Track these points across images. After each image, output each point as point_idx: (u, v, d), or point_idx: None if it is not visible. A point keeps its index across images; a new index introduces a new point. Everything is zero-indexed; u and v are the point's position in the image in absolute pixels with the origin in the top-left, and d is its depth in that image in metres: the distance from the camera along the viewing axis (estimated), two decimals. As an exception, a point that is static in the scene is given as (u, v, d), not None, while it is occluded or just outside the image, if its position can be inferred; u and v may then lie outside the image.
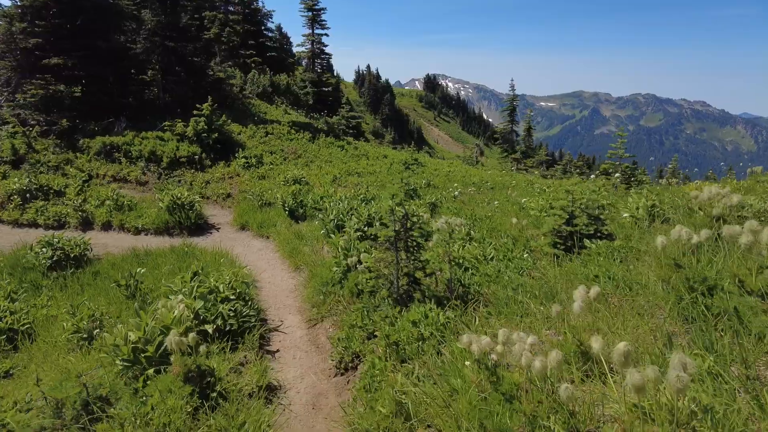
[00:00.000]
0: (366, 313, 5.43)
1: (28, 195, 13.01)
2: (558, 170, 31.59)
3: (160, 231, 11.86)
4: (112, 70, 19.79)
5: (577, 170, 30.26)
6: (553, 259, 6.01)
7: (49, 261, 9.14)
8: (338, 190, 14.46)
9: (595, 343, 2.44)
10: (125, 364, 4.83)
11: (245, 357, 5.27)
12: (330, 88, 36.16)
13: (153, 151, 16.52)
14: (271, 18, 37.69)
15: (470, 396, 3.00)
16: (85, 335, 5.91)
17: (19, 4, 18.17)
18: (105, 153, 16.36)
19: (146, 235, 11.87)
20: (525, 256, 5.89)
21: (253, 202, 13.23)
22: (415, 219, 5.22)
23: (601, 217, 6.36)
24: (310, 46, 35.75)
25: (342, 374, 5.11)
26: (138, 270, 7.42)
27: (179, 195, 12.04)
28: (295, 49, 42.69)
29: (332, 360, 5.29)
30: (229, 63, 33.02)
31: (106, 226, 12.31)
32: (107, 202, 12.67)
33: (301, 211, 12.03)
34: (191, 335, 4.30)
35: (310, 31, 35.37)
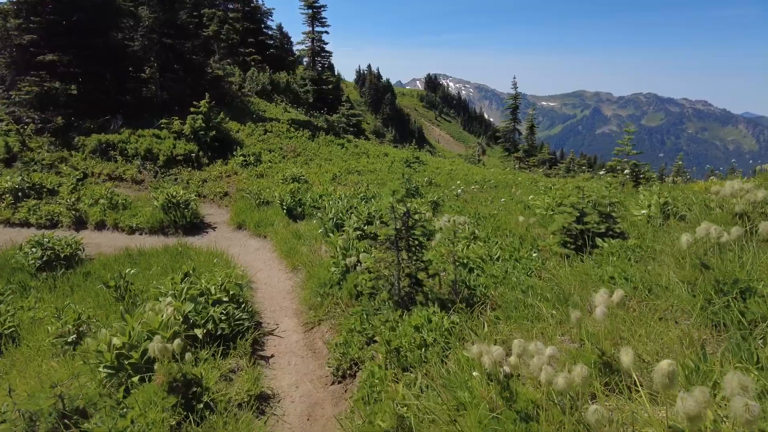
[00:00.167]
0: (365, 316, 5.12)
1: (20, 194, 12.72)
2: (561, 169, 31.25)
3: (155, 230, 11.55)
4: (109, 67, 19.51)
5: (581, 169, 29.90)
6: (562, 259, 5.69)
7: (39, 261, 8.85)
8: (338, 188, 14.15)
9: (625, 356, 2.13)
10: (109, 371, 4.53)
11: (237, 363, 4.96)
12: (330, 87, 35.85)
13: (149, 149, 16.22)
14: (271, 16, 37.42)
15: (480, 413, 2.69)
16: (69, 340, 5.61)
17: (14, 0, 17.89)
18: (100, 151, 16.07)
19: (141, 234, 11.57)
20: (534, 255, 5.56)
21: (251, 200, 12.93)
22: (417, 217, 4.91)
23: (613, 214, 6.04)
24: (310, 43, 35.45)
25: (339, 382, 4.80)
26: (128, 271, 7.11)
27: (174, 193, 11.74)
28: (295, 48, 42.40)
29: (329, 367, 4.97)
30: (228, 61, 32.71)
31: (100, 226, 12.01)
32: (101, 200, 12.38)
33: (299, 209, 11.73)
34: (176, 341, 4.00)
35: (310, 28, 35.07)
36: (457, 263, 4.99)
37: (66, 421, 3.69)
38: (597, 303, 2.76)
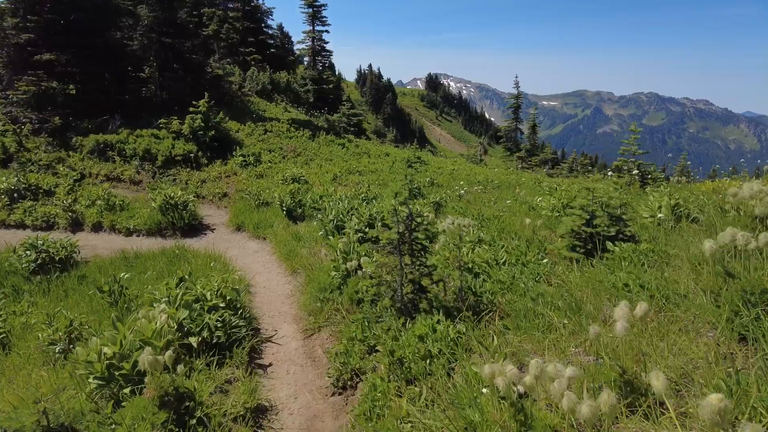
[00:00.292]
0: (366, 324, 4.91)
1: (15, 195, 12.52)
2: (564, 169, 30.99)
3: (153, 232, 11.35)
4: (108, 66, 19.32)
5: (584, 169, 29.65)
6: (571, 264, 5.48)
7: (33, 264, 8.67)
8: (338, 189, 13.95)
9: (657, 381, 1.92)
10: (99, 382, 4.33)
11: (233, 374, 4.75)
12: (331, 86, 35.63)
13: (148, 149, 16.02)
14: (271, 15, 37.15)
15: (492, 437, 2.48)
16: (60, 348, 5.41)
17: (11, -2, 17.71)
18: (98, 151, 15.88)
19: (138, 236, 11.37)
20: (544, 261, 5.34)
21: (250, 201, 12.73)
22: (419, 220, 4.69)
23: (624, 217, 5.82)
24: (310, 42, 35.24)
25: (340, 393, 4.59)
26: (122, 275, 6.91)
27: (172, 194, 11.54)
28: (296, 47, 42.19)
29: (329, 377, 4.76)
30: (228, 60, 32.50)
31: (97, 227, 11.82)
32: (98, 202, 12.18)
33: (299, 211, 11.53)
34: (168, 353, 3.79)
35: (311, 27, 34.85)
36: (463, 269, 4.78)
37: (51, 437, 3.49)
38: (617, 317, 2.55)
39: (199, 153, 16.70)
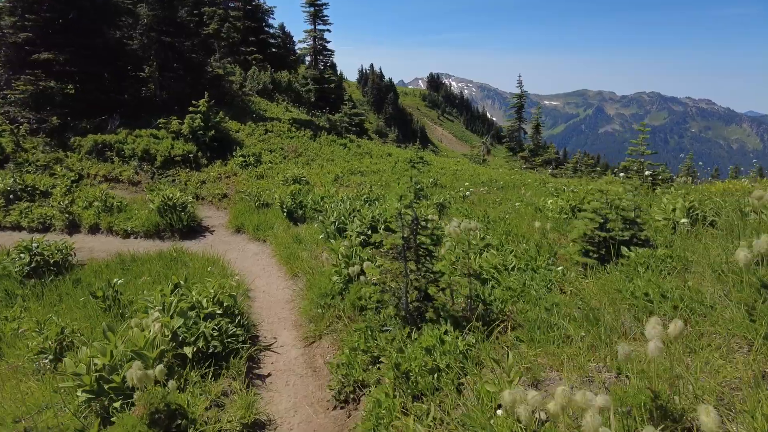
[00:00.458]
0: (370, 333, 4.66)
1: (11, 196, 12.31)
2: (568, 169, 30.70)
3: (151, 234, 11.13)
4: (108, 66, 19.11)
5: (588, 169, 29.36)
6: (584, 270, 5.23)
7: (27, 268, 8.43)
8: (340, 190, 13.71)
9: (706, 417, 1.68)
10: (88, 395, 4.11)
11: (230, 386, 4.52)
12: (332, 86, 35.42)
13: (146, 149, 15.80)
14: (272, 14, 36.95)
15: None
16: (49, 358, 5.18)
17: (9, -3, 17.50)
18: (97, 152, 15.67)
19: (136, 238, 11.15)
20: (559, 268, 5.09)
21: (250, 202, 12.50)
22: (424, 223, 4.45)
23: (638, 220, 5.56)
24: (312, 42, 35.03)
25: (342, 407, 4.36)
26: (116, 280, 6.67)
27: (171, 196, 11.31)
28: (297, 47, 41.95)
29: (330, 389, 4.52)
30: (229, 60, 32.29)
31: (94, 229, 11.60)
32: (95, 203, 11.96)
33: (300, 212, 11.29)
34: (158, 367, 3.56)
35: (312, 26, 34.64)
36: (472, 276, 4.53)
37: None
38: (649, 336, 2.30)
39: (199, 153, 16.48)
